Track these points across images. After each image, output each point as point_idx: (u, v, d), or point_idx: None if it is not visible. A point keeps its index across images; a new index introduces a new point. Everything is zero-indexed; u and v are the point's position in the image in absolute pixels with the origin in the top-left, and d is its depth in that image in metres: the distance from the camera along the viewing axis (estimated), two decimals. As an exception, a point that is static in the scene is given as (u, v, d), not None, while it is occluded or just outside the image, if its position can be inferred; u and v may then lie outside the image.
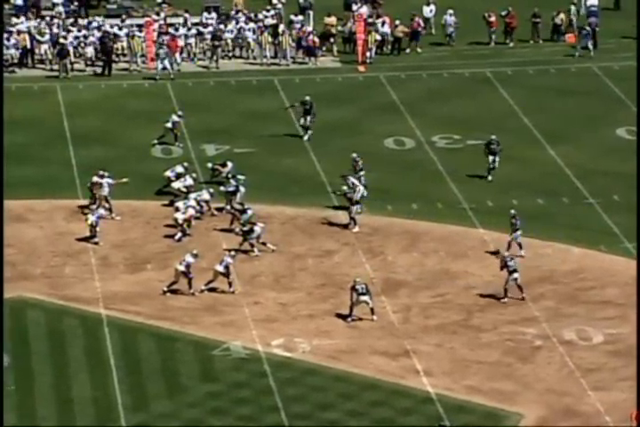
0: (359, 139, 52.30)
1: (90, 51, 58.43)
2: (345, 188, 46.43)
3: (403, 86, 56.93)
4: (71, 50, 58.19)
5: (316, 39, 59.39)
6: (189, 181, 46.96)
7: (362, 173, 47.98)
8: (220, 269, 41.85)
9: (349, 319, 40.57)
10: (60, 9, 61.59)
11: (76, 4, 62.56)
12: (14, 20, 60.56)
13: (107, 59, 57.80)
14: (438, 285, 42.67)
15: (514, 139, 51.94)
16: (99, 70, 58.07)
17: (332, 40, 60.26)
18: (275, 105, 55.01)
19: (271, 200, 47.32)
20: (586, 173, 49.23)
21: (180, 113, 51.38)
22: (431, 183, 48.93)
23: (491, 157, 48.56)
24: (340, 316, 41.04)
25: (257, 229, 44.20)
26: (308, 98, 52.05)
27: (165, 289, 41.92)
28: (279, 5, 61.73)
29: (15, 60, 58.60)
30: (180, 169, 47.56)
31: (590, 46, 59.39)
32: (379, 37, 59.60)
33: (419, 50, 60.46)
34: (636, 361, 37.48)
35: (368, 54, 59.30)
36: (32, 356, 39.32)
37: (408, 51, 60.43)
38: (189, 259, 41.87)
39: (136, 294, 42.30)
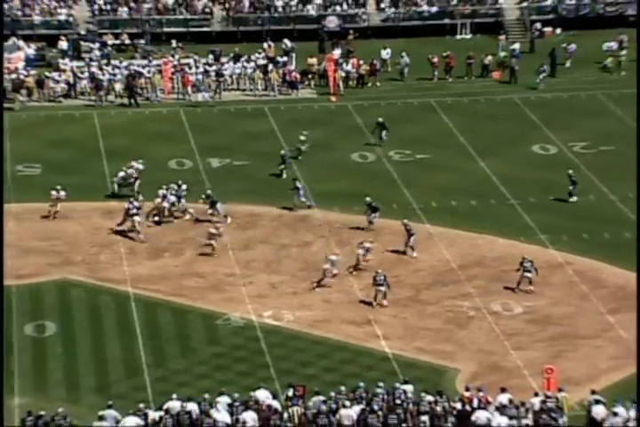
0: (331, 154, 52.31)
1: (118, 86, 58.26)
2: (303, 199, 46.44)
3: (366, 113, 56.91)
4: (105, 85, 58.18)
5: (298, 75, 59.40)
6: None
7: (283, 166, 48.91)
8: (327, 266, 41.41)
9: (375, 303, 40.13)
10: (97, 52, 61.53)
11: (108, 48, 62.49)
12: (60, 60, 60.49)
13: (130, 93, 57.52)
14: (394, 268, 42.65)
15: (452, 154, 52.07)
16: (126, 101, 57.90)
17: (309, 76, 60.26)
18: (265, 128, 54.96)
19: (262, 202, 47.30)
20: (508, 180, 49.34)
21: None
22: (388, 189, 48.93)
23: (571, 187, 47.38)
24: (316, 293, 41.03)
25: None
26: (381, 119, 52.44)
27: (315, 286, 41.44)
28: (269, 48, 61.67)
29: (62, 93, 58.51)
30: (122, 174, 47.39)
31: (540, 81, 58.95)
32: (344, 74, 59.70)
33: (378, 84, 60.49)
34: (637, 359, 35.92)
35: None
36: (75, 325, 39.38)
37: (370, 85, 60.45)
38: (333, 258, 41.56)
39: (156, 276, 42.31)
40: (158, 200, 45.77)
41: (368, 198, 45.25)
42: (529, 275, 40.92)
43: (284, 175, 49.19)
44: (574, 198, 47.35)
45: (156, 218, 45.73)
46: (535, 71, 59.35)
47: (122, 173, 47.58)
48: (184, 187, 46.38)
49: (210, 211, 45.59)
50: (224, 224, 44.91)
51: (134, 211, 44.65)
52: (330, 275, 41.33)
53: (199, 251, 43.45)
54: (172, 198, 46.02)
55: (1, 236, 39.01)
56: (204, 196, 46.16)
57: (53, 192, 46.11)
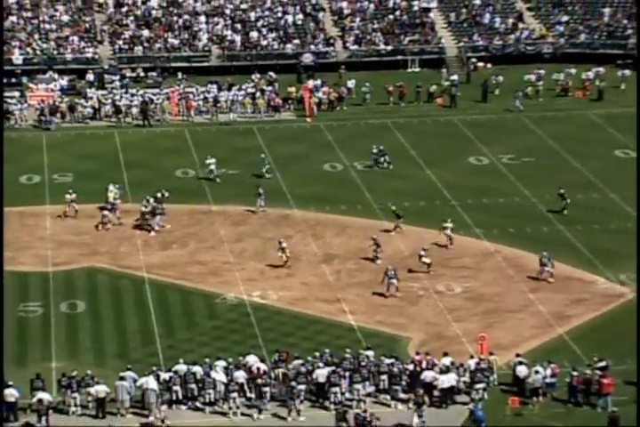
0: (307, 164, 52.19)
1: (134, 110, 58.08)
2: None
3: (335, 131, 56.90)
4: (123, 109, 57.99)
5: (280, 101, 59.32)
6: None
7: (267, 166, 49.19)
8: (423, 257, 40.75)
9: (387, 294, 39.24)
10: (117, 83, 61.38)
11: (126, 79, 62.35)
12: (88, 90, 60.33)
13: (144, 116, 57.32)
14: (358, 256, 42.64)
15: (405, 164, 52.03)
16: (141, 123, 57.71)
17: (289, 102, 60.20)
18: (254, 143, 54.75)
19: (251, 203, 47.13)
20: (450, 186, 49.38)
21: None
22: (353, 192, 48.87)
23: (564, 202, 45.71)
24: (295, 277, 40.93)
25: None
26: (382, 147, 51.26)
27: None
28: (256, 79, 61.64)
29: (89, 116, 58.30)
30: (115, 189, 46.12)
31: (519, 105, 58.39)
32: (317, 100, 59.64)
33: (345, 108, 60.48)
34: (637, 355, 34.41)
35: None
36: (100, 304, 39.22)
37: (338, 108, 60.43)
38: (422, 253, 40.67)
39: (166, 264, 42.14)
40: (143, 209, 45.06)
41: (393, 207, 44.82)
42: (547, 268, 39.91)
43: (267, 176, 48.89)
44: (565, 212, 45.26)
45: (138, 221, 44.97)
46: (513, 97, 58.82)
47: (112, 194, 46.20)
48: (167, 194, 45.80)
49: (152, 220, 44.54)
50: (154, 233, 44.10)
51: (109, 207, 44.86)
52: (424, 265, 40.58)
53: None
54: (148, 207, 44.81)
55: (1, 236, 37.79)
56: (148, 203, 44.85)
57: (67, 195, 45.86)
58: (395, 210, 44.59)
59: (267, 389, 32.97)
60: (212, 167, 49.55)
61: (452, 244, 42.64)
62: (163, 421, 31.95)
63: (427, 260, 40.85)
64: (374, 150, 51.32)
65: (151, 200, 45.16)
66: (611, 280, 40.42)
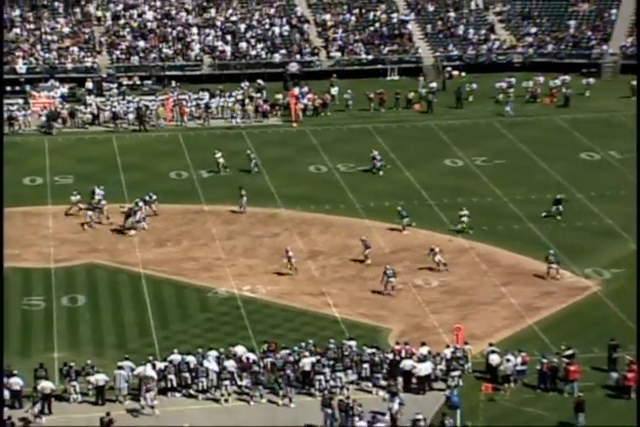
0: (293, 166, 52.18)
1: (131, 116, 57.94)
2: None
3: (319, 135, 56.88)
4: (121, 115, 57.79)
5: (268, 107, 59.25)
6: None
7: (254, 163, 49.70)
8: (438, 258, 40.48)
9: (385, 292, 38.88)
10: (115, 91, 61.22)
11: (123, 87, 62.17)
12: (87, 97, 60.13)
13: (140, 121, 57.18)
14: (341, 253, 42.68)
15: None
16: (137, 128, 57.56)
17: (276, 108, 60.14)
18: (243, 147, 54.58)
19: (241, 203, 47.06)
20: (427, 186, 49.41)
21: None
22: (337, 193, 48.87)
23: (555, 207, 45.07)
24: (281, 273, 40.93)
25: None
26: (376, 152, 50.98)
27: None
28: (245, 87, 61.54)
29: (88, 121, 58.10)
30: (101, 192, 45.90)
31: (510, 110, 58.26)
32: (302, 106, 59.59)
33: (329, 114, 60.44)
34: (637, 351, 34.08)
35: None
36: (100, 298, 39.15)
37: (322, 114, 60.38)
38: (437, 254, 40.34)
39: (161, 260, 42.10)
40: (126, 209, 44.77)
41: (399, 207, 44.64)
42: (554, 266, 39.64)
43: (254, 172, 49.55)
44: (559, 217, 44.75)
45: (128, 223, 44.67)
46: (504, 103, 58.82)
47: (99, 196, 46.03)
48: (154, 197, 45.78)
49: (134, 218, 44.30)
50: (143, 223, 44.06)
51: (91, 207, 44.67)
52: (440, 263, 40.41)
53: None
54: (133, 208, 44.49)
55: (1, 235, 37.48)
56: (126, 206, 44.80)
57: (72, 197, 45.81)
58: (400, 210, 44.44)
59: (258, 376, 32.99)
60: (221, 161, 49.90)
61: (465, 233, 42.05)
62: (152, 407, 32.00)
63: (437, 258, 40.61)
64: (372, 155, 51.09)
65: (140, 203, 44.98)
66: (577, 274, 40.60)
